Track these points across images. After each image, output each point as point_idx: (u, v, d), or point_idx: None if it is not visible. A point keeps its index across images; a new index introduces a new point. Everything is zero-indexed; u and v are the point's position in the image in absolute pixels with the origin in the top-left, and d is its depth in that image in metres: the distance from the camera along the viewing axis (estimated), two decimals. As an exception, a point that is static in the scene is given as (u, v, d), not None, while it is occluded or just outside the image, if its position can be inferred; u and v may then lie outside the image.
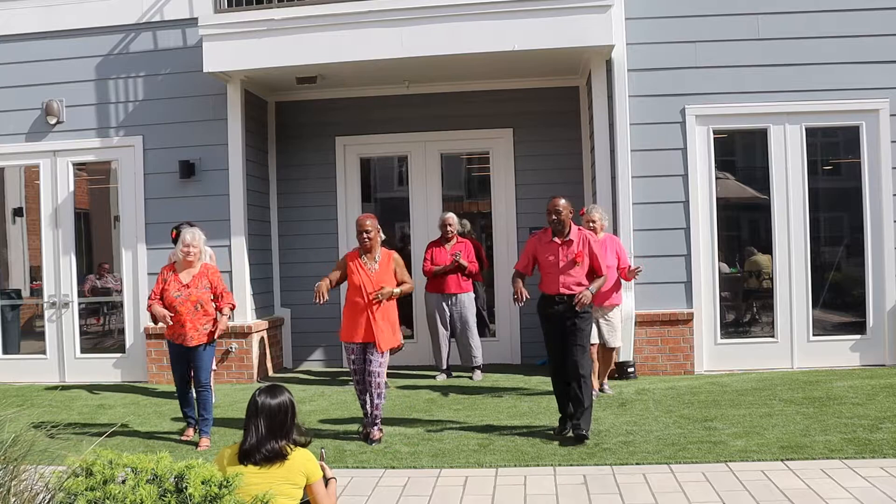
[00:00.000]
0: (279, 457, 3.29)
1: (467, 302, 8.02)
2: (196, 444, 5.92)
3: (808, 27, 7.70)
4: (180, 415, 6.95)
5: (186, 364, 6.00)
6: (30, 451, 3.28)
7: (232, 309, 6.14)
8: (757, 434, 5.51)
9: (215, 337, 5.99)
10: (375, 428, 5.83)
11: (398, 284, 5.97)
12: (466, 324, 8.02)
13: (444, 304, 8.04)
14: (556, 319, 5.76)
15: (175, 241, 7.35)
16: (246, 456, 3.28)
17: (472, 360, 8.09)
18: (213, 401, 6.35)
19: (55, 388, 8.37)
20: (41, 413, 6.83)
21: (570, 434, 5.72)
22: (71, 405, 7.41)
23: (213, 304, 5.99)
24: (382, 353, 5.86)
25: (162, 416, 6.91)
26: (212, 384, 6.29)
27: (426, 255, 8.11)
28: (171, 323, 5.89)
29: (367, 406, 5.88)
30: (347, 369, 8.92)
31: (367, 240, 5.88)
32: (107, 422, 6.54)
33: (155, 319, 6.02)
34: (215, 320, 5.98)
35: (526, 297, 5.70)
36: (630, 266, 6.93)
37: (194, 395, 6.09)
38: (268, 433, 3.30)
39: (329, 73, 8.29)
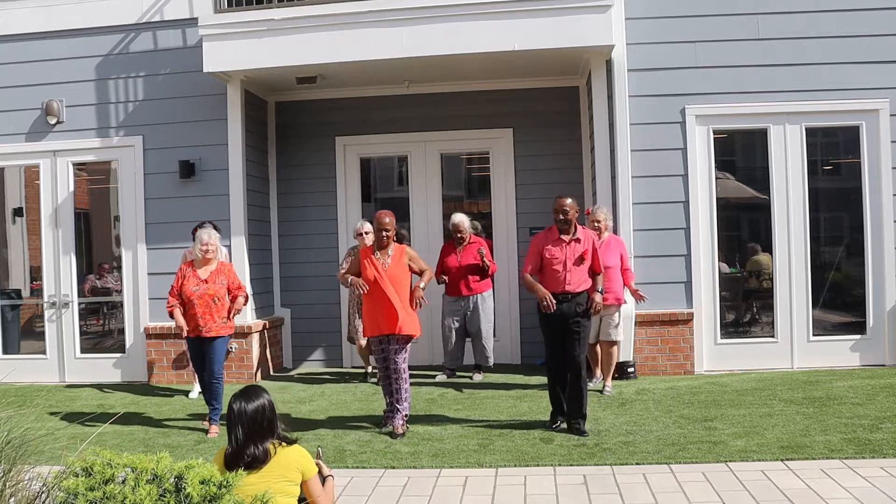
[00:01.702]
0: (261, 461, 3.28)
1: (480, 302, 7.94)
2: (206, 432, 6.21)
3: (808, 27, 7.70)
4: (180, 415, 6.95)
5: (203, 357, 6.30)
6: (28, 450, 3.28)
7: (246, 299, 6.43)
8: (757, 434, 5.51)
9: (230, 315, 6.28)
10: (399, 422, 5.91)
11: (417, 274, 6.13)
12: (479, 324, 7.96)
13: (457, 305, 8.02)
14: (557, 317, 5.81)
15: None
16: (231, 464, 3.26)
17: (485, 361, 8.06)
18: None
19: (55, 387, 8.38)
20: (41, 413, 6.83)
21: (564, 426, 5.85)
22: (71, 405, 7.41)
23: (228, 299, 6.33)
24: (406, 342, 5.97)
25: (162, 415, 6.90)
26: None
27: (439, 260, 8.09)
28: (184, 334, 6.23)
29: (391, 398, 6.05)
30: (347, 369, 8.98)
31: (384, 237, 6.00)
32: (107, 421, 6.54)
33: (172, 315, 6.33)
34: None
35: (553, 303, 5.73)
36: (631, 269, 7.16)
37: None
38: (247, 438, 3.29)
39: (329, 73, 8.28)
